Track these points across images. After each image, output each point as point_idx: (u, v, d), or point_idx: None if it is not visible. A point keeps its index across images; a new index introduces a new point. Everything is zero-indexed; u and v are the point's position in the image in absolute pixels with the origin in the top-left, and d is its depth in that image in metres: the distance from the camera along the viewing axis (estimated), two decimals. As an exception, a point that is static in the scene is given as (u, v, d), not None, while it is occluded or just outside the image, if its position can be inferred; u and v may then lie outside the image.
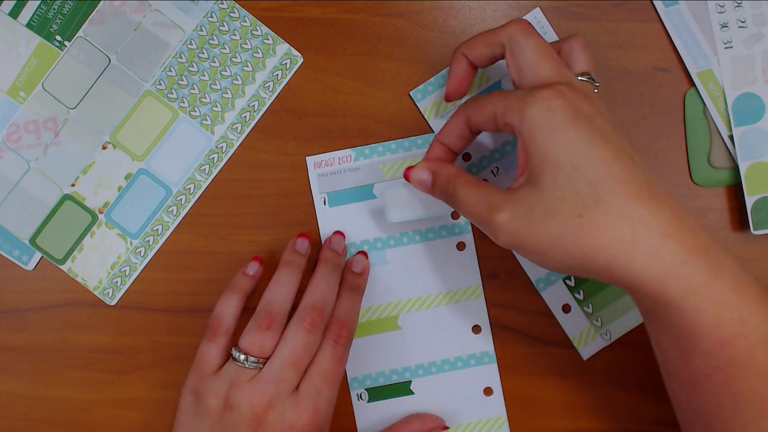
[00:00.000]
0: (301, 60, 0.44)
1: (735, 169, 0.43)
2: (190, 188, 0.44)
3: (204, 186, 0.44)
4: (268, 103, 0.44)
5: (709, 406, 0.33)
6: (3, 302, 0.44)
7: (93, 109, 0.44)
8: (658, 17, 0.43)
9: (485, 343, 0.44)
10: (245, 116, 0.44)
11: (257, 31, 0.44)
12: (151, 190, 0.44)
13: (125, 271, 0.44)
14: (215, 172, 0.44)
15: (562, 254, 0.32)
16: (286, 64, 0.44)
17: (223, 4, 0.44)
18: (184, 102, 0.44)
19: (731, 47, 0.42)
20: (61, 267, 0.44)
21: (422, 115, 0.44)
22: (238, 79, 0.44)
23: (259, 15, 0.44)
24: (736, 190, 0.43)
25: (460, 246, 0.44)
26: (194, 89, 0.44)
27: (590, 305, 0.44)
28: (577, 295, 0.44)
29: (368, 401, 0.44)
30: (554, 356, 0.44)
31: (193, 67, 0.44)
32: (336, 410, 0.42)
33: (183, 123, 0.44)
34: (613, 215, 0.31)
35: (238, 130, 0.44)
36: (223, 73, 0.44)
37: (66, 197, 0.44)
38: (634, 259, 0.31)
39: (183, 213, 0.44)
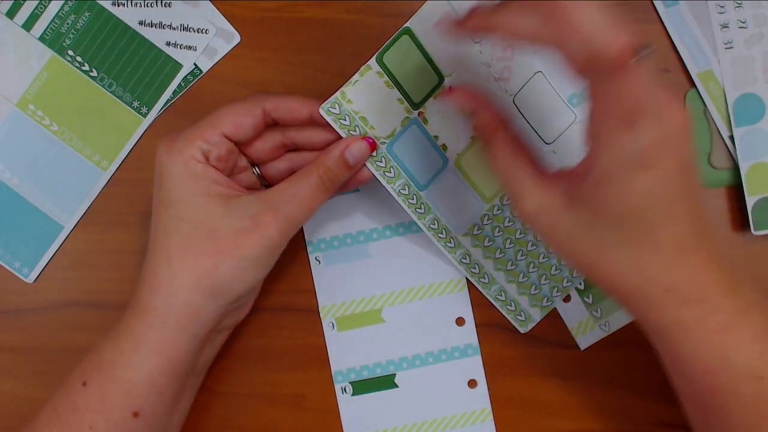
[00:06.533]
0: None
1: (735, 169, 0.43)
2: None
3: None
4: (268, 103, 0.44)
5: (705, 424, 0.33)
6: (3, 303, 0.44)
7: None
8: (658, 17, 0.43)
9: (469, 335, 0.44)
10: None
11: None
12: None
13: (125, 271, 0.44)
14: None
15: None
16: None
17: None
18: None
19: (732, 48, 0.42)
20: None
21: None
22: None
23: (259, 15, 0.44)
24: (736, 191, 0.43)
25: None
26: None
27: (590, 296, 0.43)
28: (578, 285, 0.44)
29: (352, 395, 0.44)
30: (555, 357, 0.44)
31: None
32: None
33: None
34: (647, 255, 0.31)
35: (238, 131, 0.44)
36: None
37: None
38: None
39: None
